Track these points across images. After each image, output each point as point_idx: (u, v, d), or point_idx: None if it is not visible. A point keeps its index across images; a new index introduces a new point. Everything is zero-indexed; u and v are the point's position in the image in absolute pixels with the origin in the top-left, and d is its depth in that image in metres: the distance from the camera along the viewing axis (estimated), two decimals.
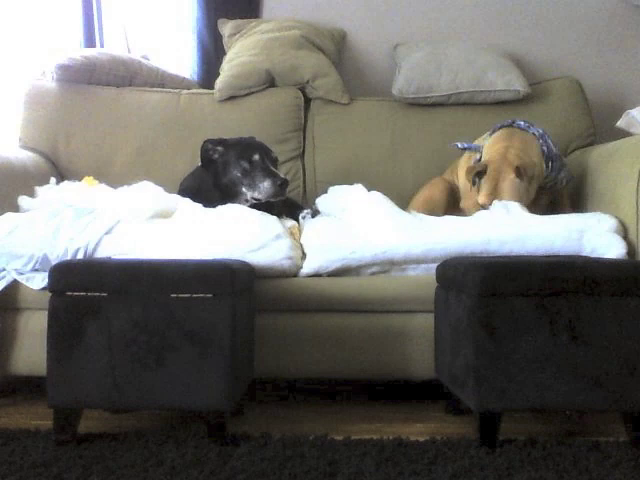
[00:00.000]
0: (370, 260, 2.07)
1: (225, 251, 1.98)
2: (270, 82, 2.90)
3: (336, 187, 2.40)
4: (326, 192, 2.44)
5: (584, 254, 2.03)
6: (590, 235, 2.04)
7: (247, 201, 2.31)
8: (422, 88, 2.82)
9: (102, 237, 2.03)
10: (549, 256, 1.97)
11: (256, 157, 2.32)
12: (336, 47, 3.08)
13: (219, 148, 2.37)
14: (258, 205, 2.28)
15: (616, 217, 2.08)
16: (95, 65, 2.82)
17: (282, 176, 2.31)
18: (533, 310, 1.64)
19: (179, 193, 2.36)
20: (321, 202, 2.41)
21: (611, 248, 2.01)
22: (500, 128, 2.41)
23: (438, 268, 1.97)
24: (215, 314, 1.66)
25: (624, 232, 2.07)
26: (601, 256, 2.02)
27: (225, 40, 3.09)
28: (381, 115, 2.85)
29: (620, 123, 2.51)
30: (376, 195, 2.26)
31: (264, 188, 2.28)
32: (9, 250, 2.01)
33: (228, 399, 1.66)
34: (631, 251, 2.04)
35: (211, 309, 1.66)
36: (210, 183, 2.37)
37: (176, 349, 1.65)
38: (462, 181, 2.47)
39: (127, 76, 2.90)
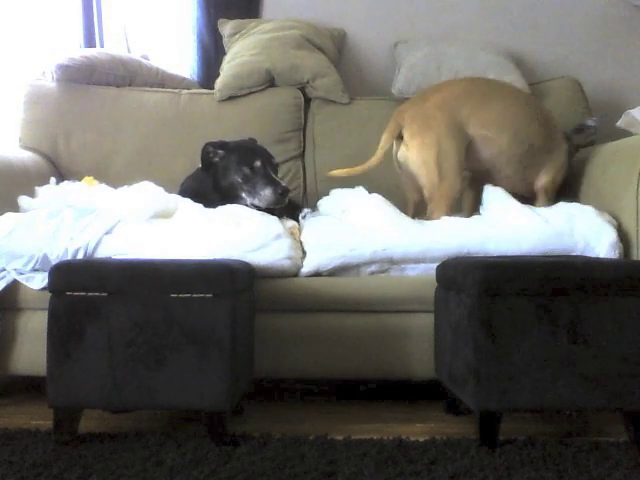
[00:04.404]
0: (369, 258, 2.07)
1: (225, 251, 1.98)
2: (270, 82, 2.90)
3: (338, 190, 2.40)
4: (327, 193, 2.44)
5: (578, 247, 2.05)
6: (580, 228, 2.07)
7: (246, 206, 2.30)
8: (422, 88, 2.82)
9: (102, 237, 2.03)
10: (549, 256, 1.97)
11: (258, 163, 2.29)
12: (336, 47, 3.08)
13: (220, 151, 2.34)
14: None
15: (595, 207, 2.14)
16: (95, 65, 2.82)
17: (283, 184, 2.29)
18: (533, 310, 1.64)
19: (179, 193, 2.35)
20: (323, 204, 2.42)
21: (602, 235, 2.04)
22: None
23: (438, 268, 1.97)
24: (215, 314, 1.66)
25: (607, 218, 2.11)
26: (594, 246, 2.04)
27: (225, 40, 3.09)
28: (381, 115, 2.83)
29: (620, 123, 2.51)
30: (376, 198, 2.26)
31: (265, 196, 2.25)
32: (9, 250, 2.02)
33: (228, 399, 1.66)
34: (623, 239, 2.07)
35: (211, 309, 1.66)
36: (210, 185, 2.36)
37: (176, 349, 1.65)
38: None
39: (127, 76, 2.90)
